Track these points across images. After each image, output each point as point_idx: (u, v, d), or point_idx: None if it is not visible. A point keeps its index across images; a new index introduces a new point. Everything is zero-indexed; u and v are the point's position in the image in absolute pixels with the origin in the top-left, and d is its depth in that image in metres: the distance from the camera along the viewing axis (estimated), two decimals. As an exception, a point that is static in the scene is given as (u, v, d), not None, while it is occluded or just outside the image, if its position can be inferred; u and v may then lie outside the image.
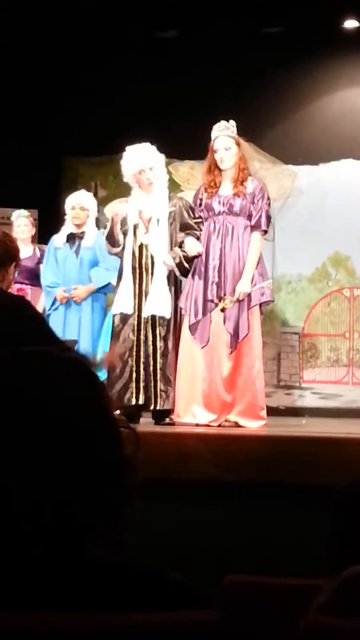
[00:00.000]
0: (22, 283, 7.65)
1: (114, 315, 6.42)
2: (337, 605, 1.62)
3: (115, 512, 1.40)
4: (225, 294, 6.25)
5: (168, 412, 6.24)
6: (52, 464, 1.34)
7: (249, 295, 6.27)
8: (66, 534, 1.35)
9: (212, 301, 6.26)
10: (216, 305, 6.25)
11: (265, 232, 6.43)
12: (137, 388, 6.20)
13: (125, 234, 6.35)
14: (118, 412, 5.95)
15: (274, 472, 4.68)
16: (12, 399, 1.37)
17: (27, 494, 1.34)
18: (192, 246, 6.29)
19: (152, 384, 6.21)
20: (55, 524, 1.35)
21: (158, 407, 6.22)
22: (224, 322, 6.24)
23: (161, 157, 6.43)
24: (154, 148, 6.41)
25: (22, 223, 7.92)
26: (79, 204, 7.51)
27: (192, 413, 6.20)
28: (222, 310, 6.23)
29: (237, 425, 6.18)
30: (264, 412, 6.30)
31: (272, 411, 7.28)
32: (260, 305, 6.40)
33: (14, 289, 7.52)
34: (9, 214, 8.16)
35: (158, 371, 6.23)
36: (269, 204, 6.46)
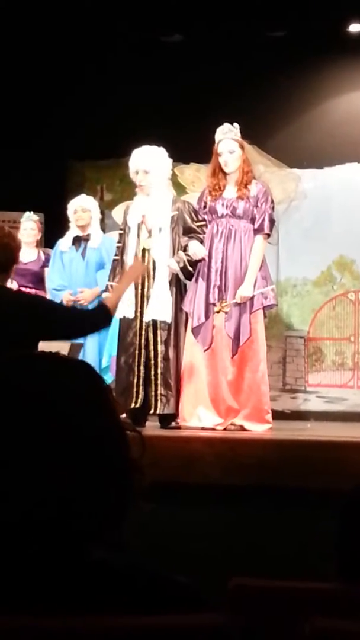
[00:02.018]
0: (26, 287, 7.66)
1: (119, 320, 6.44)
2: None
3: (121, 514, 1.41)
4: (227, 298, 6.25)
5: (174, 416, 6.24)
6: (57, 465, 1.35)
7: (252, 299, 6.26)
8: (71, 535, 1.36)
9: (214, 304, 6.26)
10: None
11: (268, 235, 6.42)
12: (137, 392, 6.21)
13: (127, 235, 6.38)
14: (124, 415, 5.96)
15: (280, 476, 4.68)
16: (19, 400, 1.38)
17: (32, 494, 1.34)
18: (197, 250, 6.29)
19: (153, 388, 6.22)
20: (61, 525, 1.35)
21: (158, 411, 6.23)
22: (225, 326, 6.23)
23: (164, 162, 6.42)
24: (159, 152, 6.40)
25: (29, 226, 7.94)
26: (80, 206, 7.54)
27: (198, 416, 6.20)
28: (218, 312, 6.22)
29: (242, 429, 6.18)
30: (269, 416, 6.30)
31: (278, 415, 7.28)
32: (264, 309, 6.40)
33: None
34: (16, 218, 8.17)
35: (159, 375, 6.24)
36: (273, 208, 6.45)
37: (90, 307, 7.32)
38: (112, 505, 1.39)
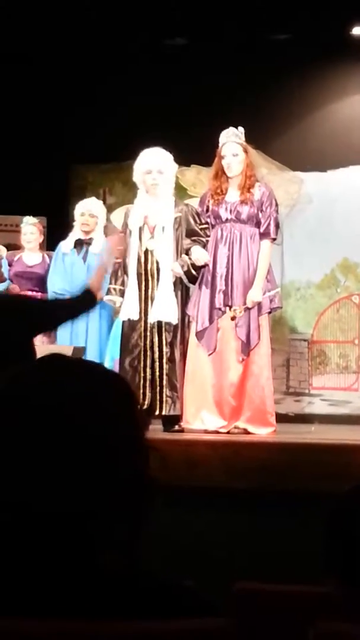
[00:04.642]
0: (32, 290, 7.65)
1: (122, 322, 6.44)
2: None
3: (135, 527, 1.40)
4: (232, 302, 6.24)
5: (177, 419, 6.24)
6: (77, 475, 1.34)
7: (259, 302, 6.27)
8: (81, 543, 1.35)
9: (219, 309, 6.26)
10: (224, 313, 6.25)
11: (274, 239, 6.42)
12: (143, 394, 6.20)
13: (128, 237, 6.37)
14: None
15: (283, 479, 4.67)
16: (47, 407, 1.37)
17: (48, 502, 1.34)
18: (200, 255, 6.28)
19: (158, 390, 6.22)
20: (71, 533, 1.35)
21: (164, 413, 6.22)
22: (236, 330, 6.23)
23: (173, 165, 6.42)
24: (168, 155, 6.41)
25: (29, 230, 7.92)
26: (88, 210, 7.49)
27: (201, 419, 6.20)
28: (232, 318, 6.23)
29: (246, 432, 6.18)
30: (273, 419, 6.29)
31: (281, 418, 7.27)
32: (270, 311, 6.42)
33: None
34: (18, 222, 8.17)
35: (164, 377, 6.24)
36: (277, 210, 6.44)
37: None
38: (128, 518, 1.38)
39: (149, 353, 6.25)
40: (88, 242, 7.47)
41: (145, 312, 6.27)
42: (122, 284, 6.41)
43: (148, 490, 1.41)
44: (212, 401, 6.22)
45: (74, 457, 1.34)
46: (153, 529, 1.42)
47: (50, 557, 1.34)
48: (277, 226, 6.38)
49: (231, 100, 8.50)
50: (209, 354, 6.25)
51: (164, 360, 6.25)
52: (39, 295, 7.63)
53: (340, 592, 2.00)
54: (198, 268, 6.31)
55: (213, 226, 6.38)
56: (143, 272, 6.29)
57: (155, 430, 6.11)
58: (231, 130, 6.41)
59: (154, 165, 6.31)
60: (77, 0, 8.30)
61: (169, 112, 8.72)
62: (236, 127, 6.42)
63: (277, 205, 6.44)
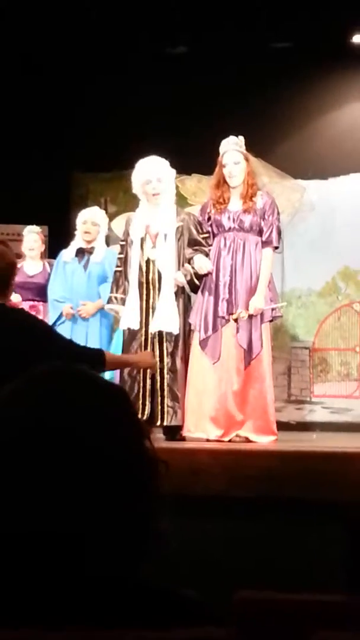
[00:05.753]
0: (33, 300, 7.66)
1: (123, 331, 6.43)
2: None
3: (142, 538, 1.40)
4: (236, 311, 6.24)
5: (178, 428, 6.23)
6: (78, 489, 1.34)
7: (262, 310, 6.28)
8: (85, 555, 1.35)
9: (223, 317, 6.25)
10: (227, 321, 6.24)
11: (277, 247, 6.42)
12: (143, 404, 6.19)
13: (130, 246, 6.36)
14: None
15: (285, 488, 4.66)
16: (46, 421, 1.36)
17: (51, 518, 1.33)
18: (202, 264, 6.27)
19: (159, 400, 6.20)
20: (77, 546, 1.34)
21: (165, 423, 6.21)
22: (237, 338, 6.22)
23: (171, 172, 6.42)
24: (165, 162, 6.41)
25: (31, 239, 7.93)
26: (91, 219, 7.51)
27: (203, 428, 6.19)
28: (235, 320, 6.21)
29: (247, 440, 6.17)
30: (274, 427, 6.29)
31: (283, 426, 7.27)
32: (272, 320, 6.42)
33: (25, 306, 7.53)
34: (19, 230, 8.19)
35: (165, 387, 6.22)
36: (279, 219, 6.46)
37: (91, 319, 7.33)
38: (136, 530, 1.38)
39: (149, 363, 6.24)
40: (89, 251, 7.48)
41: (146, 321, 6.25)
42: (124, 292, 6.39)
43: (156, 501, 1.40)
44: (214, 410, 6.21)
45: (75, 470, 1.34)
46: (162, 539, 1.41)
47: (54, 568, 1.34)
48: (279, 234, 6.38)
49: (232, 108, 8.52)
50: (213, 363, 6.24)
51: (165, 371, 6.23)
52: (40, 304, 7.63)
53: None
54: (201, 277, 6.30)
55: (215, 235, 6.38)
56: (144, 282, 6.28)
57: (156, 439, 6.10)
58: (232, 138, 6.41)
59: (152, 174, 6.30)
60: (78, 3, 8.31)
61: (169, 120, 8.74)
62: (236, 136, 6.42)
63: (279, 213, 6.46)
